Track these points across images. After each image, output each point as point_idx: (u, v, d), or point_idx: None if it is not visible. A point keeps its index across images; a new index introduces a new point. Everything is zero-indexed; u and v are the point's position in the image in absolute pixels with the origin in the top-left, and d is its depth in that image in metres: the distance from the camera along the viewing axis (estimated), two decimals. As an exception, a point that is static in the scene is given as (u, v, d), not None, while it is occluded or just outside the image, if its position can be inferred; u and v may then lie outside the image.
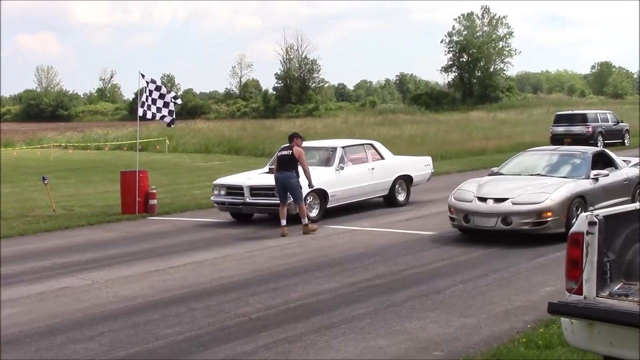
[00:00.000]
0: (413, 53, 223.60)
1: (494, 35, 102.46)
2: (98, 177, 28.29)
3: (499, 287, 9.74)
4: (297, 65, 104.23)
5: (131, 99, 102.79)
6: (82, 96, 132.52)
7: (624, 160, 15.17)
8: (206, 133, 47.10)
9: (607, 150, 15.42)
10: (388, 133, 41.56)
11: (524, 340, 7.21)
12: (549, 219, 12.27)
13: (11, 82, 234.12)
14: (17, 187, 25.18)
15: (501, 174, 14.11)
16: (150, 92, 17.85)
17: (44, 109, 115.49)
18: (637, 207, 6.07)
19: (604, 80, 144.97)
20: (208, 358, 7.32)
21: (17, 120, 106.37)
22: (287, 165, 14.33)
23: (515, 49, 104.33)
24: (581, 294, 5.51)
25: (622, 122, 37.32)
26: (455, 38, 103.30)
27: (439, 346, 7.40)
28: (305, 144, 15.33)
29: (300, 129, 38.86)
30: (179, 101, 18.94)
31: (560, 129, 34.84)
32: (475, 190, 13.04)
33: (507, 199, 12.53)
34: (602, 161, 14.36)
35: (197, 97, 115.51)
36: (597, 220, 5.49)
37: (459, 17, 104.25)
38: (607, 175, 13.59)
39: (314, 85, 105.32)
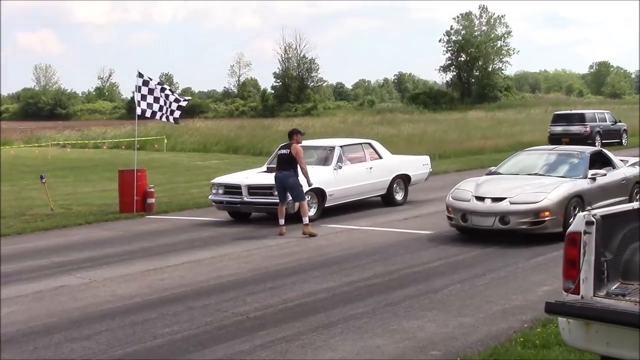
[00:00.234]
0: (411, 52, 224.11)
1: (493, 35, 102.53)
2: (96, 176, 28.26)
3: (496, 286, 9.75)
4: (296, 64, 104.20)
5: (130, 98, 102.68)
6: (80, 95, 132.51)
7: (621, 160, 15.18)
8: (204, 132, 47.06)
9: (604, 150, 15.43)
10: (386, 132, 41.59)
11: (522, 339, 7.22)
12: (546, 218, 12.29)
13: (9, 81, 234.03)
14: (15, 185, 25.14)
15: (499, 174, 14.12)
16: (151, 90, 17.85)
17: (42, 107, 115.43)
18: (635, 207, 6.07)
19: (602, 80, 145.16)
20: (206, 357, 7.32)
21: (15, 119, 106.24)
22: (286, 164, 14.24)
23: (514, 49, 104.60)
24: (578, 294, 5.51)
25: (619, 121, 37.38)
26: (453, 37, 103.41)
27: (437, 345, 7.41)
28: (303, 143, 15.28)
29: (298, 128, 38.80)
30: (187, 99, 18.96)
31: (558, 129, 34.89)
32: (473, 190, 13.05)
33: (505, 198, 12.54)
34: (599, 161, 14.38)
35: (195, 96, 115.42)
36: (594, 220, 5.50)
37: (458, 17, 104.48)
38: (605, 175, 13.60)
39: (312, 84, 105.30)
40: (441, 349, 7.31)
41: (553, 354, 6.80)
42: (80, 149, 47.33)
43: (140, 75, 17.89)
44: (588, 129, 34.27)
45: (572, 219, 6.40)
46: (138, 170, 17.85)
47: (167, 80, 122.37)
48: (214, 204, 16.44)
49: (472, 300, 9.07)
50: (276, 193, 14.57)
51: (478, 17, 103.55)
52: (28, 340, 8.02)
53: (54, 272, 11.61)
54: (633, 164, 15.27)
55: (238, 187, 15.75)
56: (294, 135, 14.55)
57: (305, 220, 13.99)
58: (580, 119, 35.36)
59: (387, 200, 17.62)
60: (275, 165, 16.22)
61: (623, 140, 36.53)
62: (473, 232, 12.95)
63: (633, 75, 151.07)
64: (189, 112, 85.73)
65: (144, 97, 17.88)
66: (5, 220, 16.89)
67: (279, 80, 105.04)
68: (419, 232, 14.06)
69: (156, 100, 17.88)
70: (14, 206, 19.33)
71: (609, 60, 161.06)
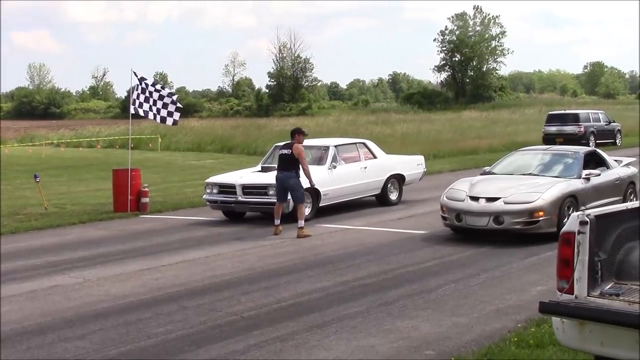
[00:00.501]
0: (406, 52, 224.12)
1: (487, 35, 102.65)
2: (90, 175, 28.23)
3: (490, 286, 9.76)
4: (290, 63, 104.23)
5: (124, 97, 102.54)
6: (74, 94, 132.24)
7: (615, 160, 15.21)
8: (199, 131, 47.07)
9: (598, 150, 15.46)
10: (381, 132, 41.60)
11: (516, 339, 7.23)
12: (540, 218, 12.30)
13: (3, 79, 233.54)
14: (9, 184, 25.09)
15: (493, 174, 14.13)
16: (144, 90, 17.82)
17: (36, 106, 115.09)
18: (628, 207, 6.09)
19: (596, 80, 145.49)
20: (200, 357, 7.31)
21: (9, 118, 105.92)
22: (286, 165, 14.04)
23: (508, 49, 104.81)
24: (572, 294, 5.52)
25: (614, 122, 37.47)
26: (448, 37, 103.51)
27: (431, 345, 7.41)
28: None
29: (293, 127, 38.80)
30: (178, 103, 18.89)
31: (553, 129, 34.95)
32: (467, 190, 13.06)
33: (499, 198, 12.55)
34: (593, 161, 14.40)
35: (189, 96, 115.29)
36: (588, 220, 5.50)
37: (452, 17, 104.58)
38: (599, 175, 13.62)
39: (306, 84, 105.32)
40: (435, 348, 7.32)
41: (547, 354, 6.80)
42: (75, 148, 47.26)
43: (135, 74, 17.86)
44: (582, 129, 34.34)
45: (566, 219, 6.39)
46: (132, 170, 17.82)
47: (161, 79, 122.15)
48: (208, 203, 16.42)
49: (466, 299, 9.08)
50: (274, 192, 14.53)
51: (472, 17, 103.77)
52: (22, 340, 7.99)
53: (47, 271, 11.58)
54: (627, 164, 15.31)
55: (232, 186, 15.73)
56: (296, 134, 14.31)
57: (301, 223, 13.81)
58: (575, 119, 35.43)
59: (381, 200, 17.62)
60: (269, 165, 16.27)
61: (617, 141, 36.60)
62: (467, 231, 12.96)
63: (627, 76, 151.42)
64: (183, 111, 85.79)
65: (137, 97, 17.87)
66: (-2, 220, 16.85)
67: (273, 80, 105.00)
68: (413, 231, 14.06)
69: (148, 100, 17.86)
70: (8, 205, 19.28)
71: (603, 61, 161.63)
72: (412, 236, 13.64)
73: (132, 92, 18.07)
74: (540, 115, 52.16)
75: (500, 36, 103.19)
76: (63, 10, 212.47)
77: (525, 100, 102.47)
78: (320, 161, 16.36)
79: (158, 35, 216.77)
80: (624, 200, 13.86)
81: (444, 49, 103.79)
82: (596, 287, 5.55)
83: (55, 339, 7.98)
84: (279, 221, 14.12)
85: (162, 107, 17.93)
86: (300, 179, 14.03)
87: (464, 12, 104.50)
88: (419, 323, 8.15)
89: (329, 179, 16.01)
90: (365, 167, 17.11)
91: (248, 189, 15.56)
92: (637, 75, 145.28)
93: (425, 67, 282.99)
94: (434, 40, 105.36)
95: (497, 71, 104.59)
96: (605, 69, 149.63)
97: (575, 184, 13.16)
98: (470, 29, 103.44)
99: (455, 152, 33.45)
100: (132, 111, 18.11)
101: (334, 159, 16.44)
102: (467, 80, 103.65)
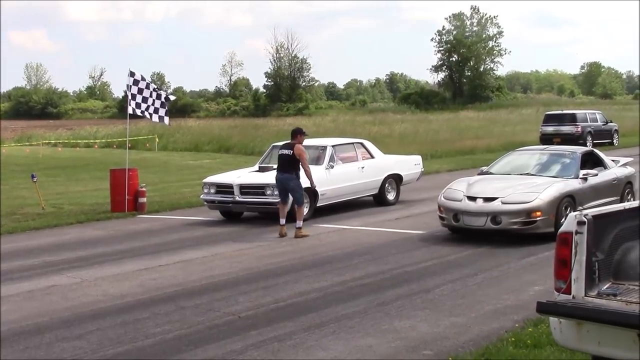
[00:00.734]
0: (403, 52, 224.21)
1: (484, 35, 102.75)
2: (87, 175, 28.20)
3: (488, 286, 9.77)
4: (288, 63, 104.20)
5: (121, 97, 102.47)
6: (71, 94, 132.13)
7: (612, 160, 15.23)
8: (196, 131, 47.03)
9: (596, 150, 15.47)
10: (378, 132, 41.60)
11: (513, 339, 7.24)
12: (538, 218, 12.31)
13: (1, 79, 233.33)
14: (6, 184, 25.03)
15: (491, 174, 14.14)
16: (141, 90, 17.82)
17: (33, 106, 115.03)
18: (626, 207, 6.10)
19: (593, 81, 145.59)
20: (197, 357, 7.31)
21: (6, 118, 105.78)
22: (286, 165, 13.95)
23: (505, 49, 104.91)
24: (570, 294, 5.52)
25: (611, 122, 37.54)
26: (445, 37, 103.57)
27: (428, 345, 7.41)
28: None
29: (290, 127, 38.79)
30: (171, 97, 18.91)
31: (550, 129, 34.99)
32: (465, 190, 13.06)
33: (497, 198, 12.56)
34: (591, 161, 14.41)
35: (187, 96, 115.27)
36: (586, 220, 5.51)
37: (449, 17, 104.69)
38: (596, 175, 13.64)
39: (304, 84, 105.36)
40: (433, 348, 7.32)
41: (544, 354, 6.81)
42: (72, 148, 47.22)
43: (132, 74, 17.85)
44: (579, 129, 34.39)
45: (563, 219, 6.41)
46: (130, 170, 17.80)
47: (159, 79, 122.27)
48: (205, 203, 16.41)
49: (464, 299, 9.08)
50: (272, 192, 14.59)
51: (469, 17, 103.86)
52: (19, 340, 7.99)
53: (45, 271, 11.57)
54: (624, 164, 15.33)
55: (230, 186, 15.73)
56: (297, 135, 14.17)
57: (299, 223, 13.81)
58: (572, 119, 35.48)
59: (379, 200, 17.63)
60: (267, 165, 16.27)
61: (614, 141, 36.67)
62: (465, 232, 12.97)
63: (624, 76, 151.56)
64: (180, 111, 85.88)
65: (134, 97, 17.86)
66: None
67: (270, 80, 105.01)
68: (410, 231, 14.07)
69: (145, 99, 17.85)
70: (5, 205, 19.25)
71: (600, 61, 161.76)
72: (410, 236, 13.65)
73: (129, 90, 18.04)
74: (537, 115, 52.19)
75: (498, 36, 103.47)
76: (60, 9, 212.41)
77: (522, 100, 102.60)
78: (317, 161, 16.34)
79: (155, 35, 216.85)
80: (622, 200, 13.88)
81: (441, 49, 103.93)
82: (594, 287, 5.56)
83: (53, 339, 7.98)
84: (284, 220, 14.00)
85: (159, 107, 17.93)
86: (300, 179, 14.01)
87: (461, 12, 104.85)
88: (417, 323, 8.15)
89: (326, 179, 16.00)
90: (363, 167, 17.11)
91: (245, 189, 15.55)
92: (634, 76, 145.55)
93: (422, 67, 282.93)
94: (431, 40, 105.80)
95: (495, 71, 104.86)
96: (603, 69, 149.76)
97: (572, 184, 13.17)
98: (467, 29, 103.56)
99: (453, 152, 33.47)
100: (129, 111, 18.09)
101: (332, 159, 16.44)
102: (465, 80, 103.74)
